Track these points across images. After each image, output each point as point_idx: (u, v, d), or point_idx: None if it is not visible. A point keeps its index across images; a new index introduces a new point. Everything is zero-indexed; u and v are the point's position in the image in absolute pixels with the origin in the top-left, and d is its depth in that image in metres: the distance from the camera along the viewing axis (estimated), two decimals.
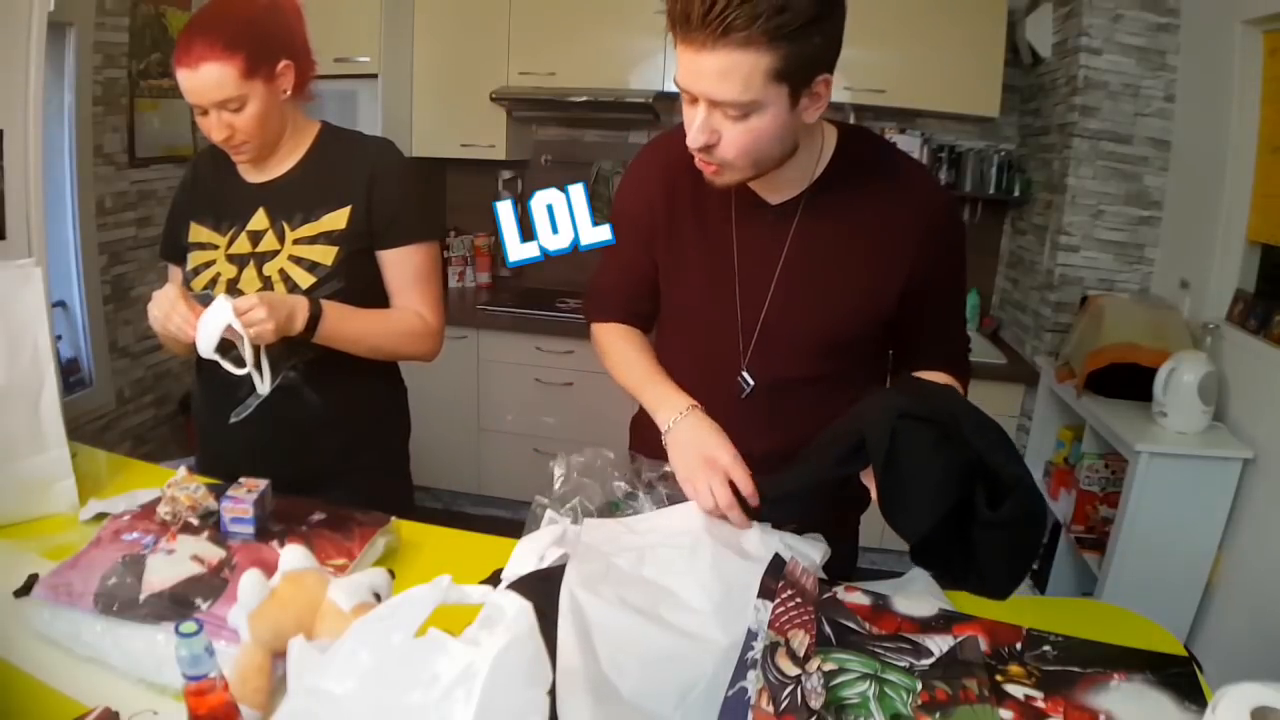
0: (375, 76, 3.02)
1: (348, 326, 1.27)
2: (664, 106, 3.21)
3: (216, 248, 1.30)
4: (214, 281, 1.29)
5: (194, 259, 1.31)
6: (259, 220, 1.30)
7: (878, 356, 1.21)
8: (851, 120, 2.89)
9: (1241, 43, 2.16)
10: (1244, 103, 2.17)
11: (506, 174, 3.54)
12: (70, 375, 2.63)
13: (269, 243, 1.29)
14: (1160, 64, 2.53)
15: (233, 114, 1.21)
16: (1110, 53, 2.54)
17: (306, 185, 1.31)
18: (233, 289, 1.27)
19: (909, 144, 3.08)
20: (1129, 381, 2.27)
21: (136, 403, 2.93)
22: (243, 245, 1.30)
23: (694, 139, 0.92)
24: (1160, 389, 2.15)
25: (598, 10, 3.05)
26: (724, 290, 1.12)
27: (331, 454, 1.38)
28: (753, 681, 0.82)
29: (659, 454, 1.12)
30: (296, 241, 1.29)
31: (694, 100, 0.91)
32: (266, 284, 1.28)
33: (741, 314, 1.12)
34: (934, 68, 2.79)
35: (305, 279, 1.28)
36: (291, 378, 1.31)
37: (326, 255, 1.28)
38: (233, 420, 1.31)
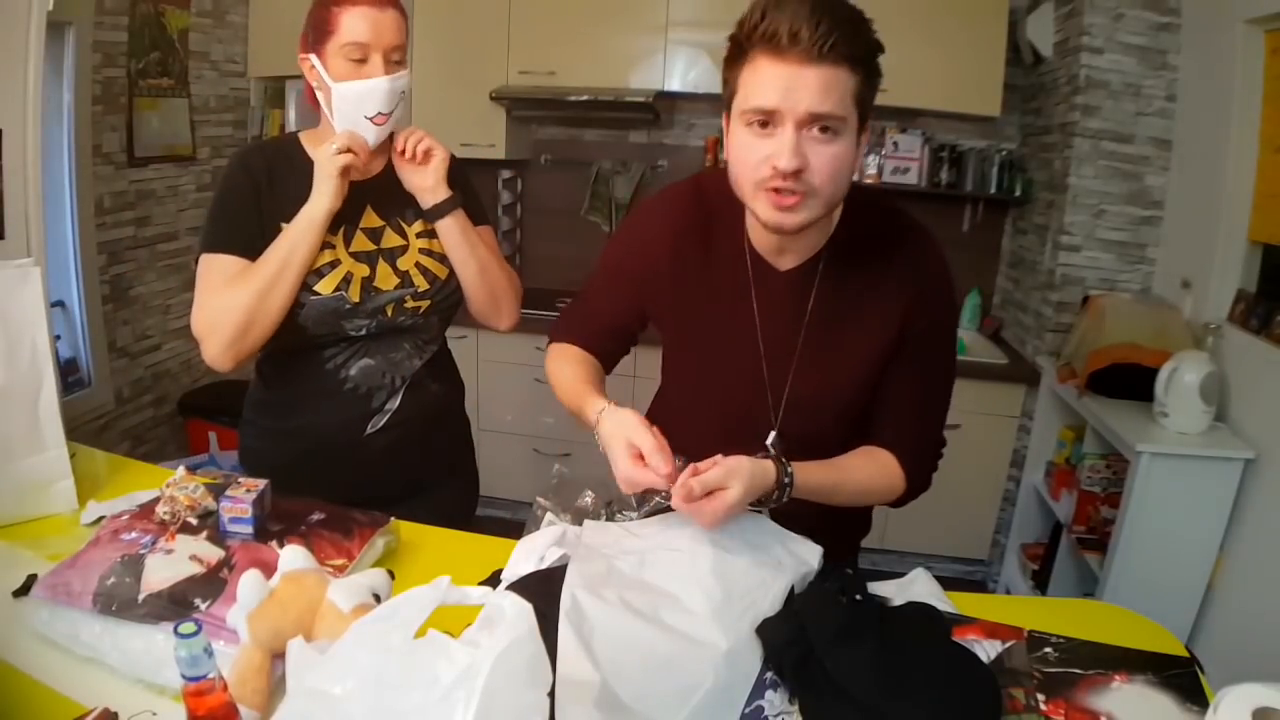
0: None
1: (470, 230, 1.35)
2: (664, 106, 3.20)
3: (334, 247, 1.28)
4: (347, 280, 1.28)
5: None
6: (370, 218, 1.32)
7: None
8: None
9: (1243, 42, 2.16)
10: (1245, 102, 2.17)
11: (506, 174, 3.54)
12: (69, 375, 2.63)
13: (391, 239, 1.32)
14: (1161, 63, 2.52)
15: (395, 67, 1.23)
16: (1111, 52, 2.54)
17: (401, 183, 1.34)
18: (369, 287, 1.29)
19: (910, 143, 3.09)
20: (1130, 381, 2.27)
21: (135, 403, 2.93)
22: (363, 243, 1.30)
23: (789, 161, 0.90)
24: (1162, 389, 2.15)
25: (598, 10, 3.05)
26: (748, 357, 1.12)
27: (444, 451, 1.48)
28: (770, 702, 0.82)
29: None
30: (419, 235, 1.35)
31: (767, 124, 0.91)
32: (404, 279, 1.32)
33: (769, 378, 1.12)
34: (935, 67, 2.78)
35: (440, 269, 1.36)
36: (421, 373, 1.38)
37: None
38: (369, 432, 1.35)
